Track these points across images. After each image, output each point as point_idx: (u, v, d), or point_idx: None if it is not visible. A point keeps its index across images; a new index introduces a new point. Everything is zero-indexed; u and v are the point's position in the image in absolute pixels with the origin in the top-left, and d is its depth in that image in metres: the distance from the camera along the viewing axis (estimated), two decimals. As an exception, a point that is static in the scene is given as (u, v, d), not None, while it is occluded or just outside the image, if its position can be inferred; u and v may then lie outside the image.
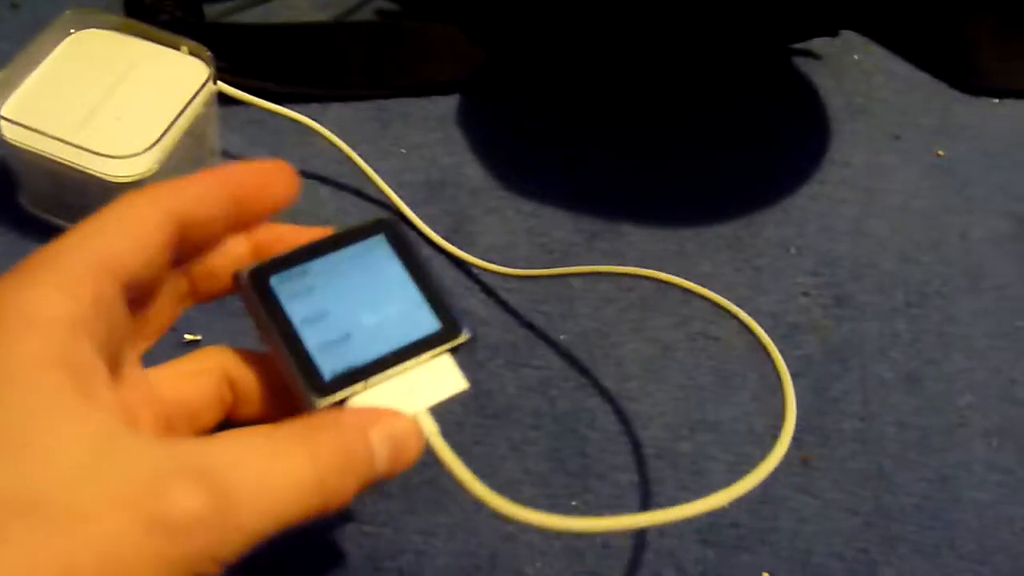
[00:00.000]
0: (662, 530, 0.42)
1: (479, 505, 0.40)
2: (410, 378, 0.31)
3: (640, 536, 0.42)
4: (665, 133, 0.55)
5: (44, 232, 0.46)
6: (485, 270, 0.47)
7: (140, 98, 0.44)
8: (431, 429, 0.31)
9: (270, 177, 0.31)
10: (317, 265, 0.32)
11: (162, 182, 0.29)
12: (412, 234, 0.36)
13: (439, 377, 0.32)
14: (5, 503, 0.21)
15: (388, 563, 0.40)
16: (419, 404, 0.31)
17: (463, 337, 0.32)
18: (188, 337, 0.44)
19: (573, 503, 0.42)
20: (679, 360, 0.47)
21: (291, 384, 0.31)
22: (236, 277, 0.32)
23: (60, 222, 0.46)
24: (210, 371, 0.32)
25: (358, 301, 0.32)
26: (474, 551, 0.41)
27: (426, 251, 0.48)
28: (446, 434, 0.43)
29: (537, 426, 0.44)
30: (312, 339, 0.31)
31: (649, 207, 0.52)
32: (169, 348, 0.43)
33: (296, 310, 0.31)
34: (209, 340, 0.44)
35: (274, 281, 0.32)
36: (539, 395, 0.45)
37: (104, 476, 0.22)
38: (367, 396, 0.31)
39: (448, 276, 0.48)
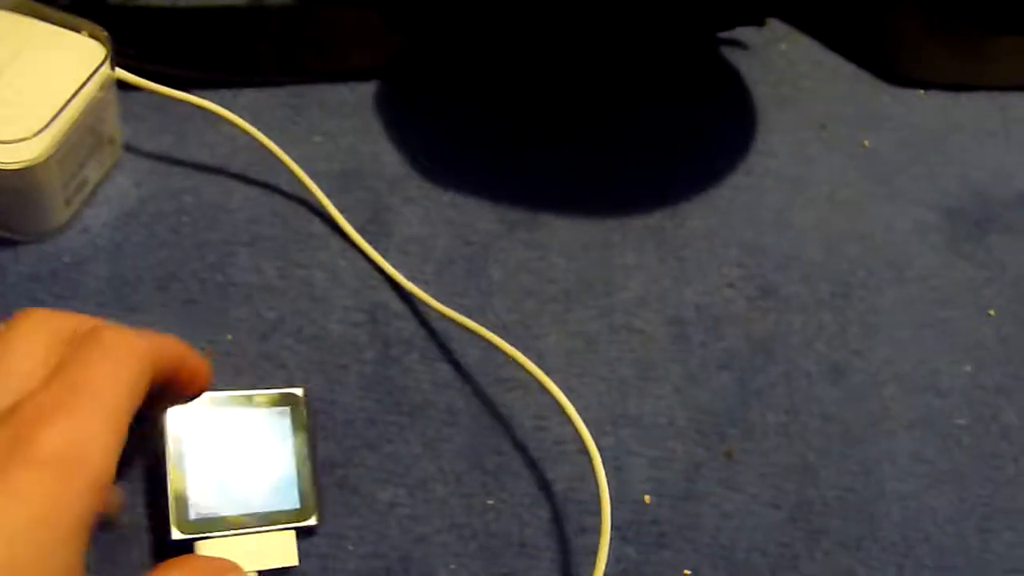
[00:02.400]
0: (582, 527, 0.41)
1: (390, 505, 0.39)
2: (255, 540, 0.37)
3: (559, 535, 0.41)
4: (588, 123, 0.54)
5: (-71, 223, 0.43)
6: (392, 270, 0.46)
7: (31, 81, 0.42)
8: None
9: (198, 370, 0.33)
10: (224, 419, 0.39)
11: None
12: (310, 413, 0.40)
13: (278, 548, 0.37)
14: None
15: (296, 570, 0.38)
16: (254, 565, 0.36)
17: (312, 520, 0.38)
18: (82, 333, 0.42)
19: (489, 502, 0.41)
20: (601, 353, 0.46)
21: (164, 511, 0.37)
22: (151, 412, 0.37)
23: (-54, 212, 0.43)
24: None
25: (244, 461, 0.38)
26: (385, 554, 0.39)
27: (340, 243, 0.46)
28: (358, 431, 0.41)
29: (452, 423, 0.43)
30: (194, 481, 0.37)
31: (572, 197, 0.51)
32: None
33: (191, 452, 0.37)
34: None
35: (183, 424, 0.38)
36: (455, 391, 0.43)
37: None
38: (215, 543, 0.37)
39: (362, 268, 0.46)
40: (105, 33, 0.43)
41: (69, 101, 0.41)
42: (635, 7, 0.52)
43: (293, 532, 0.38)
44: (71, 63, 0.42)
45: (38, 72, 0.42)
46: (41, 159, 0.40)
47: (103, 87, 0.43)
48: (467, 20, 0.54)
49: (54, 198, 0.43)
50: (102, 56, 0.43)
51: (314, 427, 0.41)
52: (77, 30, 0.44)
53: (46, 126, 0.40)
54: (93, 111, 0.42)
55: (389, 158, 0.50)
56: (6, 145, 0.39)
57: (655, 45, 0.57)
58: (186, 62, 0.49)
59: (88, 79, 0.41)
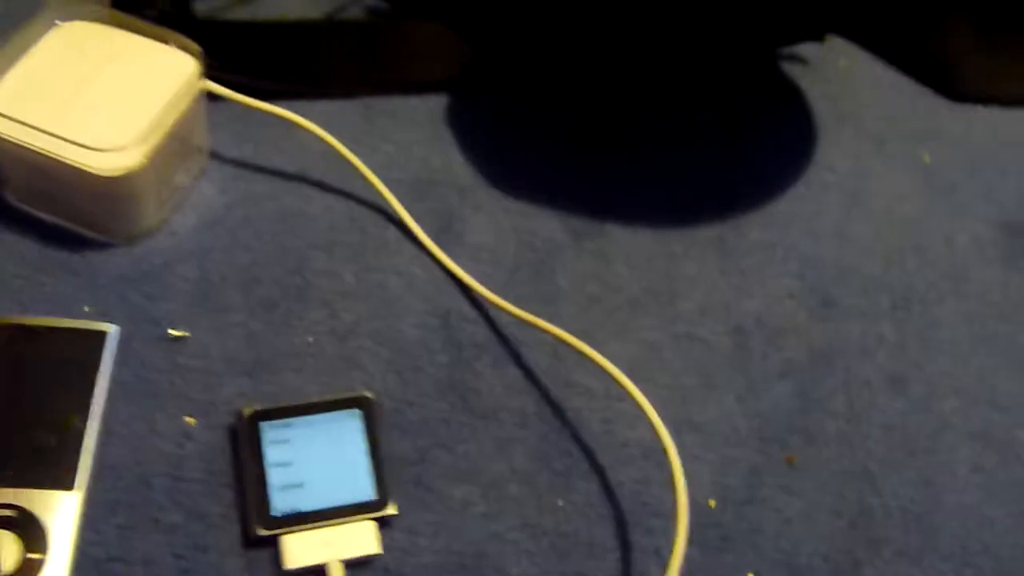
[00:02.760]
0: (648, 528, 0.42)
1: (464, 503, 0.41)
2: (337, 532, 0.39)
3: (626, 535, 0.42)
4: (653, 134, 0.55)
5: (29, 225, 0.45)
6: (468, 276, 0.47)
7: (126, 91, 0.44)
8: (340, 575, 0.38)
9: None
10: (300, 422, 0.41)
11: None
12: (381, 413, 0.43)
13: (360, 538, 0.39)
14: None
15: (378, 560, 0.39)
16: (338, 554, 0.38)
17: (391, 510, 0.40)
18: (174, 333, 0.44)
19: (559, 502, 0.42)
20: (665, 360, 0.47)
21: (247, 510, 0.39)
22: (239, 414, 0.41)
23: (45, 215, 0.45)
24: None
25: (320, 460, 0.40)
26: (460, 549, 0.41)
27: (413, 250, 0.48)
28: (433, 431, 0.43)
29: (523, 425, 0.44)
30: (275, 480, 0.39)
31: (636, 208, 0.52)
32: (153, 342, 0.43)
33: (271, 454, 0.40)
34: (197, 335, 0.44)
35: (264, 426, 0.40)
36: (525, 394, 0.45)
37: None
38: (297, 536, 0.38)
39: (435, 274, 0.48)
40: (197, 46, 0.45)
41: (165, 112, 0.43)
42: (701, 20, 0.54)
43: (373, 522, 0.39)
44: (163, 74, 0.44)
45: (131, 82, 0.44)
46: (138, 167, 0.42)
47: (194, 98, 0.45)
48: (536, 32, 0.56)
49: (147, 204, 0.45)
50: (192, 67, 0.45)
51: (387, 426, 0.42)
52: (165, 42, 0.46)
53: (144, 135, 0.42)
54: (184, 121, 0.44)
55: (459, 168, 0.52)
56: (105, 153, 0.41)
57: (720, 58, 0.59)
58: (264, 73, 0.51)
59: (182, 90, 0.43)
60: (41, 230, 0.45)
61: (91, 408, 0.39)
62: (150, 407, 0.42)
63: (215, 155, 0.49)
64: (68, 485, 0.38)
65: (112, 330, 0.42)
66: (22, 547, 0.36)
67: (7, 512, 0.37)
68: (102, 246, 0.45)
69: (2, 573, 0.36)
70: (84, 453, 0.38)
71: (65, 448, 0.38)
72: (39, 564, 0.36)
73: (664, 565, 0.41)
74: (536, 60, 0.56)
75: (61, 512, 0.37)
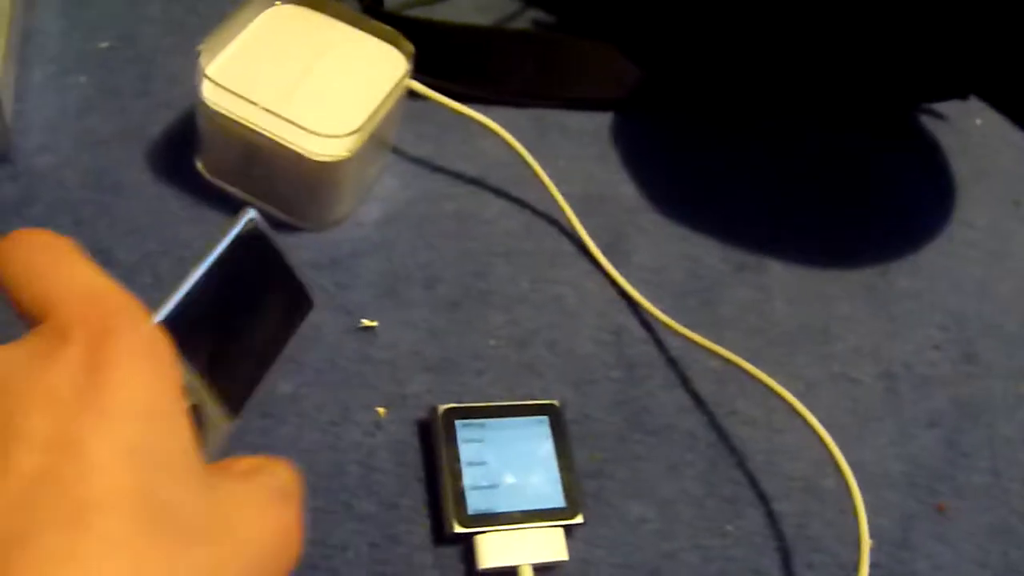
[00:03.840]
0: (810, 562, 0.43)
1: (640, 520, 0.41)
2: (528, 535, 0.39)
3: (790, 567, 0.43)
4: (808, 176, 0.56)
5: (221, 200, 0.46)
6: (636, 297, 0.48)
7: (341, 80, 0.44)
8: None
9: None
10: (493, 424, 0.41)
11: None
12: (568, 423, 0.43)
13: (549, 544, 0.40)
14: None
15: (562, 567, 0.40)
16: (528, 558, 0.39)
17: (579, 519, 0.40)
18: (365, 323, 0.44)
19: (728, 527, 0.43)
20: (821, 397, 0.48)
21: (443, 505, 0.39)
22: (434, 410, 0.41)
23: (237, 192, 0.46)
24: None
25: (512, 462, 0.41)
26: (636, 565, 0.41)
27: (586, 264, 0.49)
28: (609, 446, 0.43)
29: (692, 448, 0.45)
30: (469, 478, 0.40)
31: (793, 245, 0.53)
32: (344, 330, 0.43)
33: (466, 452, 0.40)
34: (384, 326, 0.44)
35: (458, 424, 0.41)
36: (694, 418, 0.46)
37: None
38: (492, 536, 0.39)
39: (607, 290, 0.48)
40: (410, 45, 0.45)
41: (380, 106, 0.43)
42: (853, 73, 0.55)
43: (562, 529, 0.40)
44: (377, 68, 0.45)
45: (347, 73, 0.45)
46: (348, 156, 0.43)
47: (401, 95, 0.45)
48: (704, 57, 0.57)
49: (344, 193, 0.45)
50: (404, 65, 0.45)
51: (570, 436, 0.43)
52: (371, 32, 0.46)
53: (361, 126, 0.42)
54: (388, 117, 0.45)
55: (625, 187, 0.52)
56: (324, 138, 0.42)
57: (870, 107, 0.60)
58: (448, 74, 0.52)
59: (395, 88, 0.44)
60: (232, 207, 0.46)
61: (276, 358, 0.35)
62: (342, 395, 0.42)
63: (398, 150, 0.50)
64: (232, 411, 0.31)
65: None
66: None
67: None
68: (294, 231, 0.46)
69: None
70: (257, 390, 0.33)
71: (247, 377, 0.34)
72: None
73: (826, 599, 0.42)
74: (704, 86, 0.57)
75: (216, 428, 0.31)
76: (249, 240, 0.33)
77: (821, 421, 0.47)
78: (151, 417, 0.23)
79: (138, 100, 0.48)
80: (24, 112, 0.46)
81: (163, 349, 0.24)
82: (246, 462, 0.27)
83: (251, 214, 0.32)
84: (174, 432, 0.23)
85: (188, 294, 0.30)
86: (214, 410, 0.31)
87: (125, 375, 0.23)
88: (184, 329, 0.30)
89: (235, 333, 0.32)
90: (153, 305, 0.27)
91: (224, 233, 0.32)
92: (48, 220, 0.43)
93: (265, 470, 0.26)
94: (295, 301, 0.34)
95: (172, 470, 0.23)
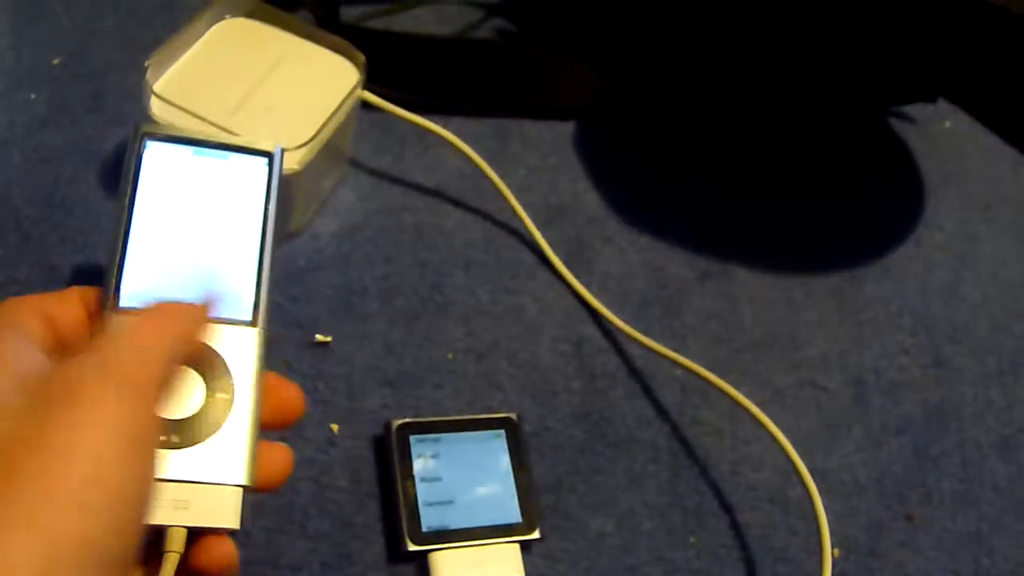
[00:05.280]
0: (774, 573, 0.43)
1: (601, 534, 0.41)
2: (484, 552, 0.39)
3: (754, 579, 0.42)
4: (774, 181, 0.56)
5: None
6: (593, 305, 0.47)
7: (291, 92, 0.44)
8: None
9: None
10: (448, 438, 0.41)
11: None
12: (527, 436, 0.43)
13: (506, 560, 0.39)
14: None
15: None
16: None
17: (535, 534, 0.39)
18: (319, 338, 0.43)
19: (691, 539, 0.42)
20: (787, 405, 0.48)
21: (397, 522, 0.38)
22: (387, 425, 0.40)
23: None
24: None
25: (467, 478, 0.40)
26: (597, 580, 0.41)
27: (547, 275, 0.48)
28: (569, 459, 0.42)
29: (655, 459, 0.44)
30: (424, 495, 0.39)
31: (758, 251, 0.52)
32: (298, 345, 0.42)
33: (420, 468, 0.40)
34: (340, 341, 0.43)
35: (413, 439, 0.40)
36: (656, 429, 0.45)
37: None
38: (447, 554, 0.38)
39: (568, 300, 0.48)
40: (361, 55, 0.45)
41: (330, 118, 0.43)
42: (823, 74, 0.55)
43: (518, 545, 0.39)
44: (326, 79, 0.44)
45: (297, 85, 0.44)
46: (298, 168, 0.42)
47: (353, 106, 0.45)
48: (664, 65, 0.56)
49: (297, 205, 0.45)
50: (355, 76, 0.45)
51: (528, 450, 0.42)
52: (323, 44, 0.46)
53: (312, 138, 0.42)
54: (340, 128, 0.44)
55: (589, 197, 0.52)
56: (273, 153, 0.41)
57: (834, 113, 0.59)
58: (406, 85, 0.51)
59: (346, 98, 0.44)
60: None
61: (265, 239, 0.36)
62: (296, 411, 0.41)
63: (355, 163, 0.49)
64: (250, 320, 0.34)
65: (276, 149, 0.37)
66: (205, 386, 0.32)
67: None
68: (246, 244, 0.45)
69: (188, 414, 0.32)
70: (263, 285, 0.35)
71: (243, 281, 0.35)
72: (225, 404, 0.32)
73: (792, 611, 0.42)
74: (665, 94, 0.56)
75: (243, 348, 0.33)
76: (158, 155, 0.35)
77: (786, 430, 0.46)
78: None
79: (89, 116, 0.47)
80: (-27, 130, 0.45)
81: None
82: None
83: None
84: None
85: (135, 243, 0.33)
86: (231, 332, 0.33)
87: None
88: (146, 276, 0.33)
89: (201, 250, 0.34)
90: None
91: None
92: (-4, 239, 0.42)
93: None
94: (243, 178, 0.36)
95: None
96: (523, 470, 0.41)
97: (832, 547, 0.44)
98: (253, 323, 0.34)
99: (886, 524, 0.45)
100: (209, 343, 0.33)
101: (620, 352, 0.47)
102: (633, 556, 0.41)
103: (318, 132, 0.42)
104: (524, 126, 0.54)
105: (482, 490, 0.40)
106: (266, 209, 0.36)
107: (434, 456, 0.40)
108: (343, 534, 0.39)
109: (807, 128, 0.59)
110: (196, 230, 0.35)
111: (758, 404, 0.46)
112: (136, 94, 0.42)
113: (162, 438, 0.31)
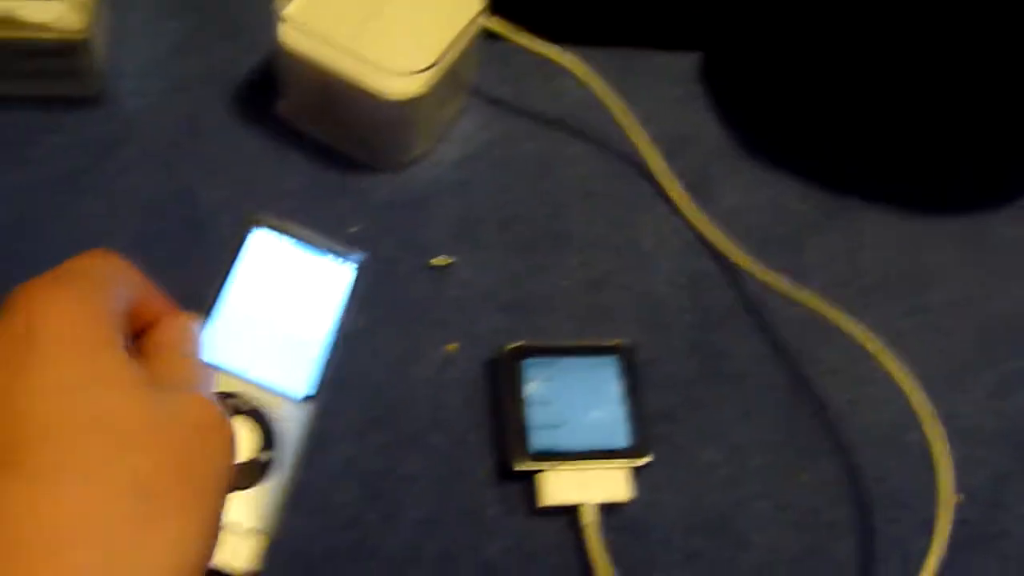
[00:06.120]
0: (890, 517, 0.42)
1: (709, 466, 0.40)
2: (592, 474, 0.39)
3: (867, 520, 0.42)
4: (906, 118, 0.53)
5: (298, 143, 0.46)
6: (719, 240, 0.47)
7: (415, 18, 0.44)
8: (592, 520, 0.38)
9: None
10: (560, 363, 0.41)
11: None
12: (639, 365, 0.42)
13: (613, 484, 0.39)
14: None
15: (625, 508, 0.40)
16: (591, 498, 0.39)
17: (645, 460, 0.40)
18: (439, 261, 0.44)
19: (803, 477, 0.42)
20: (911, 349, 0.46)
21: (507, 442, 0.39)
22: (501, 348, 0.41)
23: (318, 134, 0.47)
24: None
25: (578, 402, 0.40)
26: (704, 510, 0.41)
27: (665, 207, 0.48)
28: (680, 390, 0.42)
29: (769, 395, 0.44)
30: (534, 417, 0.40)
31: (886, 191, 0.51)
32: (417, 269, 0.43)
33: (531, 390, 0.40)
34: (458, 266, 0.44)
35: (525, 363, 0.41)
36: (772, 364, 0.45)
37: None
38: (554, 474, 0.39)
39: (686, 233, 0.47)
40: (485, -18, 0.45)
41: (453, 42, 0.43)
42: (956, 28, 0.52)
43: (627, 470, 0.40)
44: (451, 7, 0.45)
45: (422, 11, 0.45)
46: (420, 94, 0.43)
47: (476, 33, 0.45)
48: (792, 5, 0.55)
49: (419, 132, 0.46)
50: (480, 4, 0.45)
51: (640, 378, 0.42)
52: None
53: (435, 62, 0.42)
54: (464, 55, 0.45)
55: (713, 130, 0.51)
56: (398, 76, 0.42)
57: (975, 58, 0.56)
58: (533, 13, 0.51)
59: (469, 24, 0.44)
60: (311, 148, 0.46)
61: (331, 326, 0.40)
62: (414, 331, 0.43)
63: (477, 91, 0.50)
64: (305, 394, 0.39)
65: (360, 258, 0.42)
66: (254, 442, 0.37)
67: (247, 405, 0.38)
68: (369, 170, 0.46)
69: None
70: (317, 364, 0.39)
71: (302, 357, 0.39)
72: (267, 462, 0.37)
73: (906, 552, 0.41)
74: (794, 26, 0.55)
75: (293, 417, 0.38)
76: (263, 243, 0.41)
77: (908, 373, 0.45)
78: (78, 344, 0.25)
79: (225, 44, 0.49)
80: (118, 57, 0.47)
81: (83, 282, 0.27)
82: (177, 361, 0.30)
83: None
84: (102, 348, 0.26)
85: (223, 308, 0.39)
86: (275, 402, 0.38)
87: (46, 322, 0.26)
88: (226, 339, 0.38)
89: (277, 328, 0.39)
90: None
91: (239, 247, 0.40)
92: (137, 162, 0.45)
93: (192, 378, 0.29)
94: (330, 277, 0.41)
95: (105, 382, 0.25)
96: (634, 397, 0.41)
97: (955, 492, 0.43)
98: (307, 400, 0.38)
99: (1012, 475, 0.44)
100: (269, 410, 0.38)
101: (737, 287, 0.46)
102: (741, 489, 0.41)
103: (441, 57, 0.43)
104: (648, 56, 0.53)
105: (592, 414, 0.40)
106: (342, 306, 0.41)
107: (546, 380, 0.41)
108: (456, 451, 0.40)
109: (943, 61, 0.56)
110: (278, 308, 0.40)
111: (880, 343, 0.45)
112: (268, 23, 0.43)
113: None
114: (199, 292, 0.40)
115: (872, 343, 0.43)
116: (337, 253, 0.42)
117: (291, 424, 0.38)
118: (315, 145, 0.46)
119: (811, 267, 0.48)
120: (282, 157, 0.46)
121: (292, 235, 0.42)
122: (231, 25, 0.49)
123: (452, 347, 0.42)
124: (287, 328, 0.40)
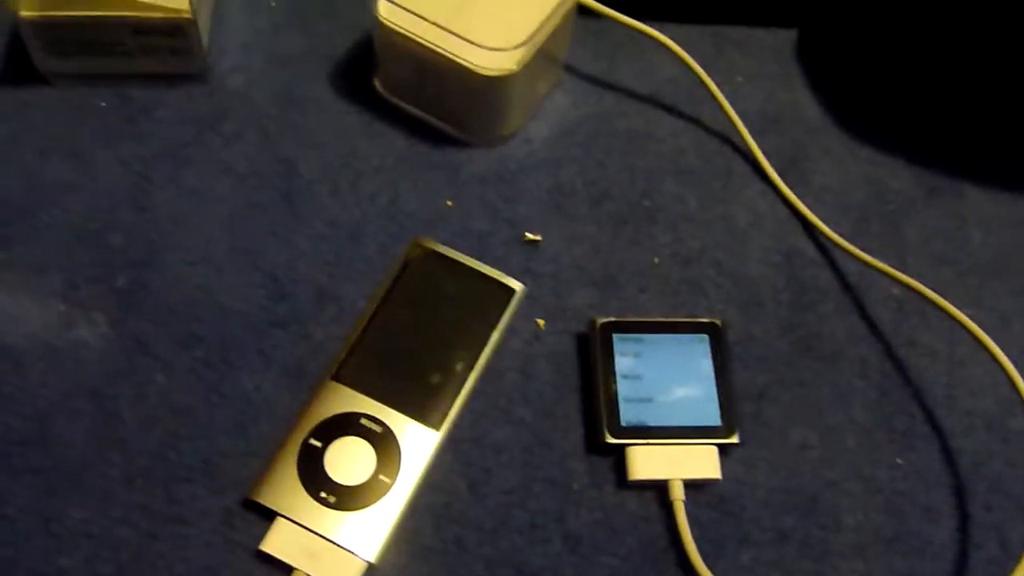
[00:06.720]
0: (988, 504, 0.41)
1: (801, 446, 0.40)
2: (681, 451, 0.39)
3: (964, 507, 0.41)
4: (1011, 92, 0.51)
5: (396, 117, 0.47)
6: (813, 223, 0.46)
7: (511, -5, 0.44)
8: (680, 496, 0.38)
9: None
10: (651, 339, 0.41)
11: None
12: (730, 344, 0.42)
13: (703, 461, 0.39)
14: None
15: (715, 486, 0.40)
16: (680, 473, 0.39)
17: (734, 439, 0.39)
18: (529, 236, 0.45)
19: (898, 460, 0.41)
20: (1015, 334, 0.45)
21: (597, 415, 0.39)
22: (592, 323, 0.41)
23: (413, 109, 0.47)
24: None
25: (668, 378, 0.40)
26: (795, 490, 0.40)
27: (760, 185, 0.47)
28: (772, 369, 0.42)
29: (864, 376, 0.43)
30: (624, 391, 0.40)
31: (992, 169, 0.49)
32: (508, 245, 0.44)
33: (622, 365, 0.40)
34: (549, 241, 0.45)
35: (616, 338, 0.41)
36: (867, 345, 0.44)
37: None
38: (644, 449, 0.39)
39: (780, 211, 0.47)
40: (581, -43, 0.45)
41: (547, 19, 0.43)
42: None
43: (716, 448, 0.39)
44: (546, -19, 0.45)
45: (517, -13, 0.45)
46: (515, 69, 0.43)
47: (570, 9, 0.45)
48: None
49: (512, 108, 0.46)
50: (575, -22, 0.45)
51: (731, 356, 0.42)
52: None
53: (529, 38, 0.42)
54: (557, 31, 0.45)
55: (808, 106, 0.50)
56: (492, 52, 0.42)
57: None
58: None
59: (563, 0, 0.44)
60: (406, 123, 0.47)
61: (478, 360, 0.40)
62: (504, 305, 0.43)
63: (570, 68, 0.50)
64: (435, 424, 0.39)
65: (519, 289, 0.42)
66: (376, 465, 0.38)
67: (375, 425, 0.39)
68: (462, 145, 0.47)
69: (353, 483, 0.37)
70: (459, 399, 0.40)
71: (444, 389, 0.40)
72: (385, 487, 0.37)
73: (1004, 539, 0.40)
74: (891, 0, 0.53)
75: (420, 446, 0.38)
76: (420, 262, 0.41)
77: (1013, 358, 0.43)
78: None
79: (324, 22, 0.50)
80: (220, 35, 0.49)
81: None
82: None
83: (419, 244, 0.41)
84: None
85: (369, 330, 0.39)
86: (416, 430, 0.38)
87: None
88: (371, 363, 0.38)
89: (422, 353, 0.40)
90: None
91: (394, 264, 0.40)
92: (239, 135, 0.46)
93: None
94: (487, 299, 0.41)
95: None
96: (725, 375, 0.41)
97: (1055, 482, 0.41)
98: (438, 428, 0.39)
99: (1120, 464, 0.42)
100: (395, 432, 0.38)
101: (833, 266, 0.45)
102: (834, 470, 0.41)
103: (535, 33, 0.43)
104: (743, 33, 0.52)
105: (682, 391, 0.40)
106: (490, 343, 0.41)
107: (636, 355, 0.41)
108: (544, 423, 0.40)
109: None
110: (429, 337, 0.41)
111: (982, 328, 0.44)
112: (364, 1, 0.44)
113: (322, 494, 0.36)
114: (294, 262, 0.41)
115: (973, 325, 0.42)
116: (495, 282, 0.42)
117: (420, 450, 0.38)
118: (410, 120, 0.47)
119: (911, 246, 0.46)
120: (378, 131, 0.47)
121: (451, 260, 0.42)
122: (329, 3, 0.50)
123: (541, 322, 0.43)
124: (431, 357, 0.40)
